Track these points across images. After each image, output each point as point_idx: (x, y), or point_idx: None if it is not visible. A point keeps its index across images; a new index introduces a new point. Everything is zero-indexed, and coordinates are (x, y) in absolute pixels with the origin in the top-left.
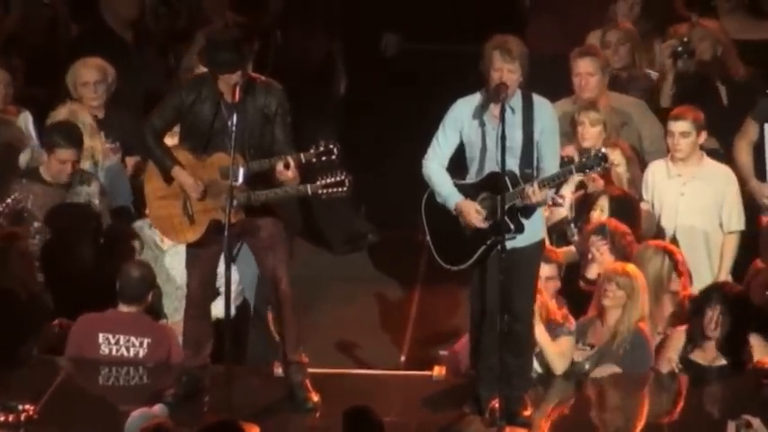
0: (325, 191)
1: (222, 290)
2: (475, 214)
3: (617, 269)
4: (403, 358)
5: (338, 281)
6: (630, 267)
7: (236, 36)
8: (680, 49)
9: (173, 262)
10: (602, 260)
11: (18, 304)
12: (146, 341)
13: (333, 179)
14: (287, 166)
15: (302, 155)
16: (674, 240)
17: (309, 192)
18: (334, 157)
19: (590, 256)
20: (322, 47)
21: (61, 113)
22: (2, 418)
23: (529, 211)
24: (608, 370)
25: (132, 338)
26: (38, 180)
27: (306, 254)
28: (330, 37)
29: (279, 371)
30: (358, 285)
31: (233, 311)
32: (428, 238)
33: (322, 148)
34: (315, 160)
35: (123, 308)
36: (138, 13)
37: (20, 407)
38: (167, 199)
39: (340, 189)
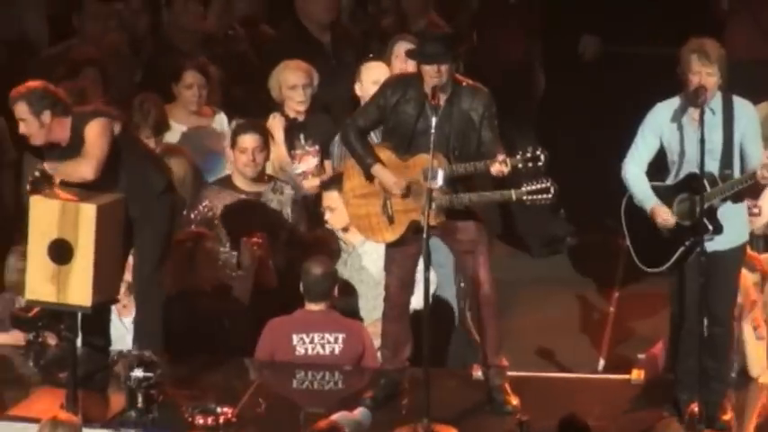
0: (529, 197)
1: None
2: (667, 217)
3: None
4: (602, 362)
5: (537, 284)
6: None
7: (446, 32)
8: None
9: (366, 262)
10: None
11: (205, 304)
12: (340, 336)
13: (538, 186)
14: (503, 163)
15: (508, 160)
16: None
17: (514, 197)
18: (540, 164)
19: None
20: (520, 49)
21: None
22: (201, 421)
23: (729, 213)
24: None
25: (326, 335)
26: (229, 187)
27: (504, 257)
28: (528, 39)
29: (478, 374)
30: (557, 288)
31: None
32: (627, 240)
33: (529, 155)
34: (521, 166)
35: (311, 306)
36: (335, 15)
37: (219, 410)
38: (366, 197)
39: (545, 196)
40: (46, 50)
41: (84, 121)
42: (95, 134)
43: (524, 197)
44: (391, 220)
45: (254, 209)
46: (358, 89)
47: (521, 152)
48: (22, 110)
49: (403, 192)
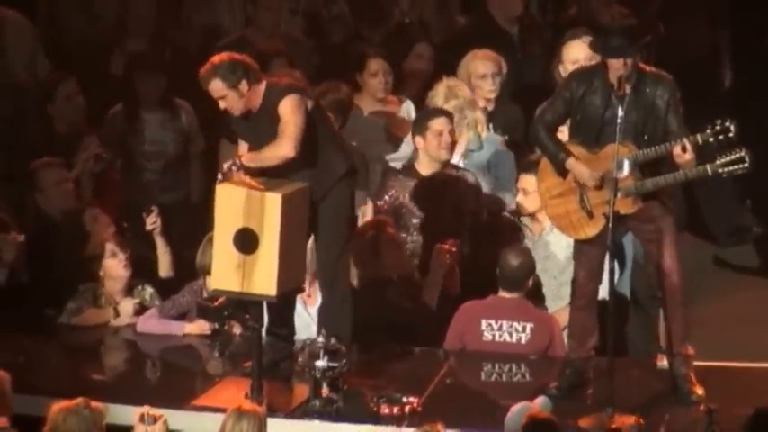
0: (725, 169)
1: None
2: None
3: None
4: None
5: (723, 273)
6: None
7: (629, 24)
8: None
9: (554, 249)
10: None
11: (392, 294)
12: (528, 326)
13: (732, 156)
14: (684, 149)
15: (698, 136)
16: None
17: (710, 172)
18: (731, 135)
19: None
20: (707, 39)
21: (438, 91)
22: (386, 411)
23: None
24: None
25: (515, 323)
26: (413, 176)
27: (690, 247)
28: (715, 29)
29: (663, 363)
30: (743, 278)
31: None
32: None
33: (718, 127)
34: (712, 140)
35: (504, 294)
36: (524, 8)
37: (404, 399)
38: (563, 196)
39: (741, 166)
40: (223, 40)
41: (277, 94)
42: (290, 111)
43: (719, 170)
44: (591, 215)
45: (439, 192)
46: (562, 70)
47: (709, 126)
48: (218, 87)
49: (598, 183)
